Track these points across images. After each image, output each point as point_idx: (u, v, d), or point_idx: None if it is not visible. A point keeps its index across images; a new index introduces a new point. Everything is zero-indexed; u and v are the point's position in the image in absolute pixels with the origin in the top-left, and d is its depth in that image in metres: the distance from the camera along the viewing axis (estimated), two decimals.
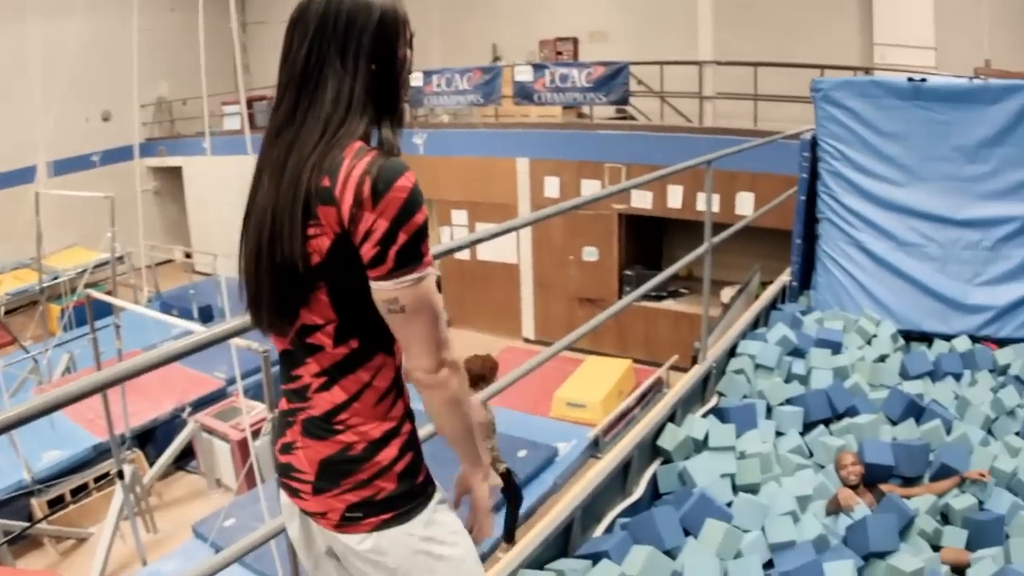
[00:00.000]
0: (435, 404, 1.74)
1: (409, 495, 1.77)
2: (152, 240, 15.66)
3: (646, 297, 13.47)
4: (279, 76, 1.69)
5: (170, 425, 9.85)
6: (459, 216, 14.98)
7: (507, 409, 10.16)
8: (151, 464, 9.29)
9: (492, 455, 6.18)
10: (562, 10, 17.32)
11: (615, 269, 13.71)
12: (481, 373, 6.11)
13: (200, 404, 10.09)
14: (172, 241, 19.71)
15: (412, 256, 1.59)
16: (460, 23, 18.79)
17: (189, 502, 9.38)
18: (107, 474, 8.76)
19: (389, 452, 1.74)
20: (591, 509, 3.94)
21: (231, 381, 10.20)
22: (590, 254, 13.88)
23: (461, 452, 1.89)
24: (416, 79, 15.09)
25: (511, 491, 6.56)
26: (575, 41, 16.73)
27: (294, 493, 1.82)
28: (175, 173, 20.05)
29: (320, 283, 1.63)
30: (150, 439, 9.85)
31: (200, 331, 2.08)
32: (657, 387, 10.69)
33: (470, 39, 18.53)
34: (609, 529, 3.96)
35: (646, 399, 10.37)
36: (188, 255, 18.46)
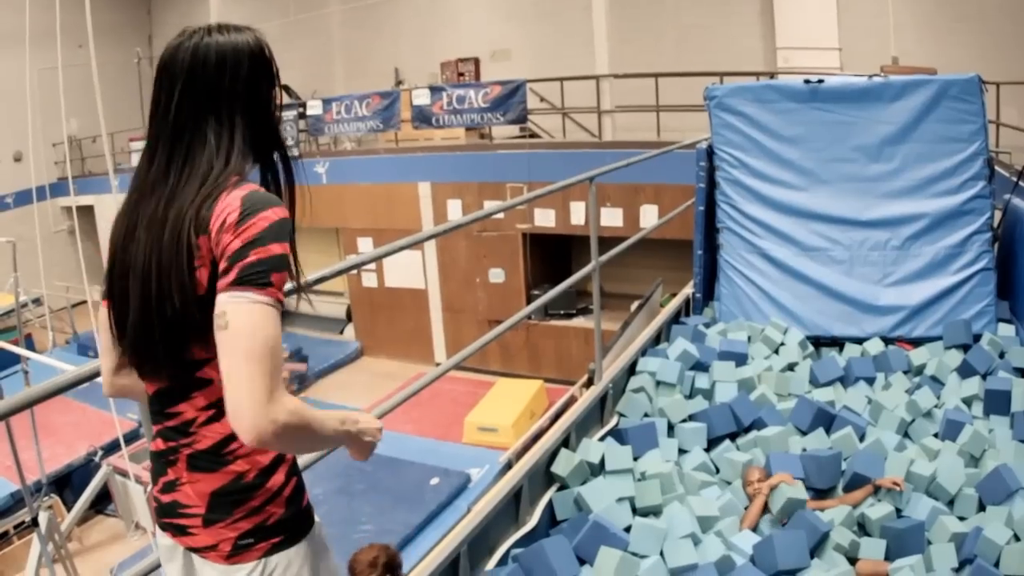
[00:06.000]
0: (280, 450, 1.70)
1: (297, 518, 1.76)
2: (70, 280, 15.37)
3: (556, 316, 13.50)
4: (149, 128, 1.63)
5: (86, 469, 9.76)
6: (365, 244, 14.73)
7: (419, 437, 9.97)
8: (69, 509, 9.13)
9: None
10: (463, 30, 17.21)
11: (522, 289, 13.60)
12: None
13: (114, 447, 9.85)
14: (91, 280, 19.07)
15: (257, 276, 1.49)
16: (362, 47, 18.55)
17: (109, 546, 9.39)
18: (25, 521, 8.58)
19: (278, 478, 1.73)
20: (482, 542, 3.72)
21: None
22: (496, 275, 13.76)
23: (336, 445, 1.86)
24: (315, 107, 14.97)
25: None
26: (476, 61, 16.68)
27: (180, 531, 1.75)
28: (89, 212, 19.26)
29: (207, 314, 1.55)
30: (67, 484, 9.80)
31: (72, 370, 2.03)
32: (571, 406, 10.48)
33: (373, 63, 18.34)
34: (503, 561, 3.74)
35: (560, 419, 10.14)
36: None
